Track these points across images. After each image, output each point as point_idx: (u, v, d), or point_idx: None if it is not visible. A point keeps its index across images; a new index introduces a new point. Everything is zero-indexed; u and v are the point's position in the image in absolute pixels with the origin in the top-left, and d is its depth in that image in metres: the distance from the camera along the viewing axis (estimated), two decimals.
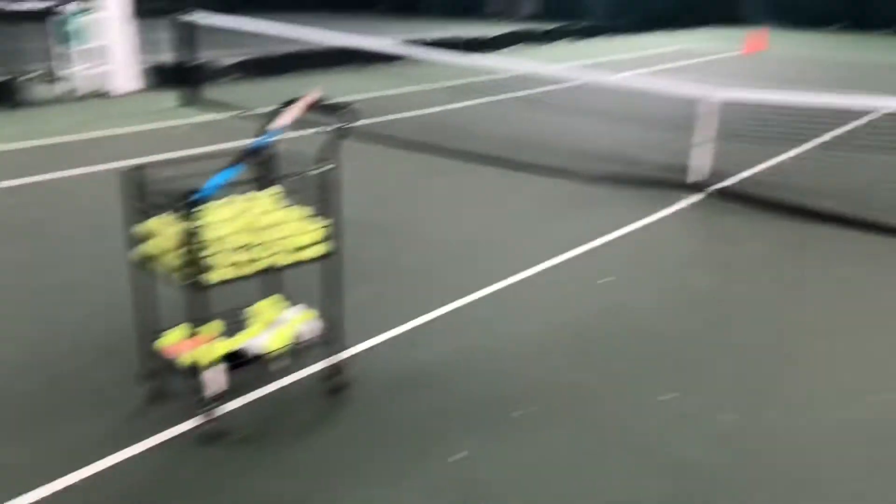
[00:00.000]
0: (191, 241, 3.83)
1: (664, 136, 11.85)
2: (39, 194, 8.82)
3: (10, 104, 15.24)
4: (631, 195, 9.02)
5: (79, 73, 15.49)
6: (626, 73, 15.15)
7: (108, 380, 4.65)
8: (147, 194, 4.11)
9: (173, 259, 3.99)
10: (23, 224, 7.72)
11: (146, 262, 4.20)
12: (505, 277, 6.45)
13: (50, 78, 15.66)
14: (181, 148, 9.89)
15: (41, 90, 15.36)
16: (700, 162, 9.18)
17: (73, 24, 15.55)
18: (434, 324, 5.62)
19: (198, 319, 4.00)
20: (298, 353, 4.56)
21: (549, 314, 5.85)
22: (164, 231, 4.06)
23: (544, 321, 5.72)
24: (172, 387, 4.47)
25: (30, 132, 12.63)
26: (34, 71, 15.52)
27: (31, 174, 9.81)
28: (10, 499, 3.61)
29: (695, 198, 8.85)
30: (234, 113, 13.11)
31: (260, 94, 14.25)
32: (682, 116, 10.24)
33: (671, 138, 11.09)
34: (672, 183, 9.27)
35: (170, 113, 13.51)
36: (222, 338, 4.40)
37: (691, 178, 9.23)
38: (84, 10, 15.47)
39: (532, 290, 6.31)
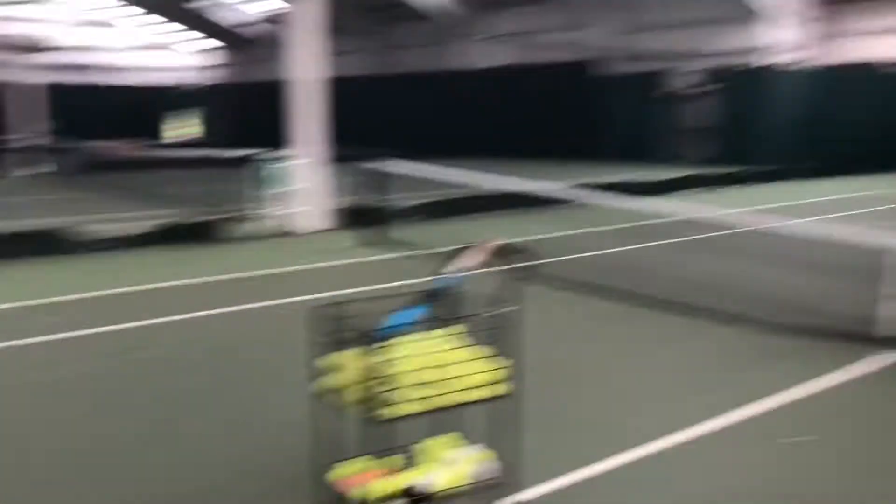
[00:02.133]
0: (374, 376, 3.95)
1: (845, 285, 11.19)
2: (227, 324, 9.47)
3: (207, 241, 16.74)
4: (815, 346, 8.45)
5: (269, 213, 16.88)
6: (804, 220, 14.57)
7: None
8: (333, 329, 4.31)
9: (355, 392, 4.12)
10: (208, 352, 8.29)
11: (327, 394, 4.36)
12: (672, 432, 6.12)
13: (243, 218, 17.12)
14: (361, 285, 10.41)
15: (235, 229, 16.81)
16: (891, 314, 8.51)
17: (268, 170, 17.13)
18: (599, 480, 5.39)
19: (373, 453, 4.07)
20: (471, 493, 4.48)
21: (720, 478, 5.45)
22: (347, 365, 4.21)
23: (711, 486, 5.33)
24: None
25: (223, 267, 13.75)
26: (230, 211, 17.04)
27: (221, 306, 10.61)
28: None
29: (887, 355, 8.13)
30: (414, 252, 13.69)
31: (440, 235, 14.83)
32: (864, 266, 9.64)
33: (854, 288, 10.44)
34: (859, 336, 8.61)
35: (351, 252, 14.31)
36: (394, 473, 4.42)
37: (881, 331, 8.55)
38: (279, 158, 17.04)
39: (703, 450, 5.93)
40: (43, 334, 9.11)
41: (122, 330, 9.21)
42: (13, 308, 10.59)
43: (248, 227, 16.73)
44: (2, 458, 5.69)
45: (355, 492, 4.25)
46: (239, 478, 5.16)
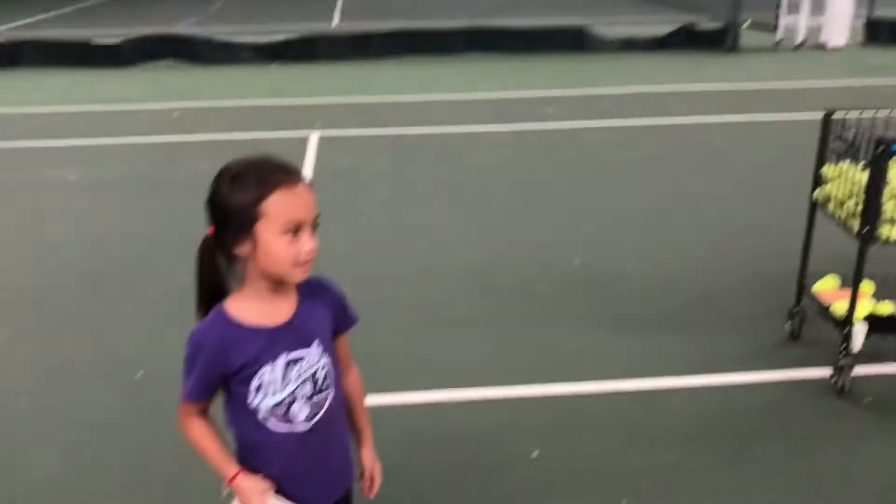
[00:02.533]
0: (871, 192, 3.61)
1: None
2: (736, 132, 9.28)
3: (723, 49, 16.21)
4: None
5: (795, 23, 15.54)
6: None
7: (760, 308, 4.72)
8: (841, 140, 3.97)
9: (851, 207, 3.82)
10: (714, 153, 8.29)
11: (823, 206, 4.11)
12: None
13: (767, 27, 16.07)
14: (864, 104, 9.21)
15: (756, 38, 15.93)
16: None
17: None
18: None
19: (860, 273, 3.79)
20: None
21: None
22: (847, 178, 3.89)
23: None
24: (815, 332, 4.36)
25: (735, 76, 13.29)
26: (749, 19, 16.09)
27: (731, 112, 10.38)
28: (659, 376, 4.01)
29: None
30: None
31: None
32: None
33: None
34: None
35: (882, 70, 12.64)
36: (874, 299, 4.10)
37: None
38: None
39: None
40: (538, 122, 10.04)
41: (620, 127, 9.67)
42: (513, 97, 11.79)
43: (773, 38, 15.75)
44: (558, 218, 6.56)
45: (836, 307, 4.06)
46: (728, 273, 5.24)
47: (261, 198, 1.77)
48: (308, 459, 1.96)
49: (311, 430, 1.94)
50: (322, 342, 1.94)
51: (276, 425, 1.91)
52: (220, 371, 1.86)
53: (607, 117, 10.16)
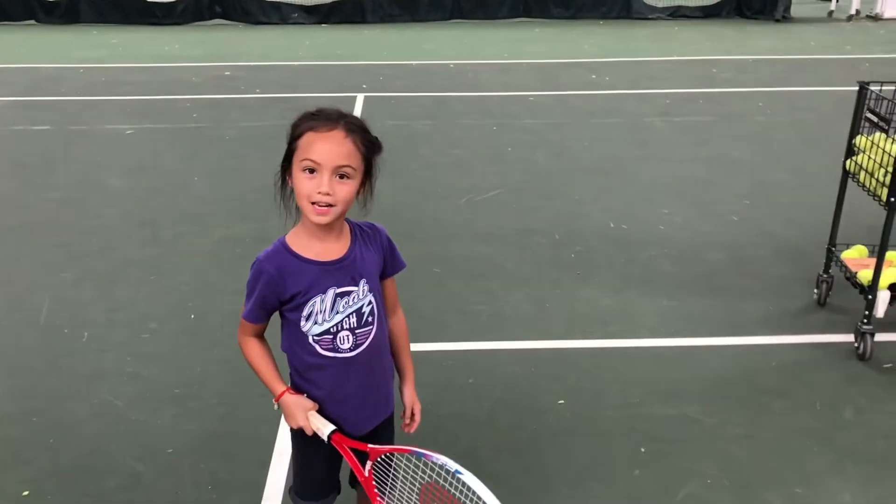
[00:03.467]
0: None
1: None
2: (780, 102, 9.26)
3: (772, 18, 15.96)
4: None
5: None
6: None
7: (788, 275, 4.83)
8: (872, 111, 4.04)
9: (881, 177, 3.90)
10: (755, 123, 8.30)
11: (855, 175, 4.20)
12: None
13: None
14: None
15: (808, 8, 15.66)
16: None
17: None
18: None
19: (885, 241, 3.88)
20: None
21: None
22: (878, 148, 3.97)
23: None
24: (841, 300, 4.48)
25: (783, 46, 13.13)
26: None
27: (776, 83, 10.33)
28: (686, 336, 4.17)
29: None
30: None
31: None
32: None
33: None
34: None
35: None
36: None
37: None
38: None
39: None
40: (583, 88, 10.10)
41: (663, 94, 9.69)
42: (559, 62, 11.82)
43: (827, 8, 15.46)
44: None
45: (863, 275, 4.16)
46: (757, 241, 5.34)
47: (298, 134, 1.99)
48: (351, 385, 2.17)
49: (354, 359, 2.14)
50: (369, 282, 2.13)
51: (323, 351, 2.12)
52: (276, 296, 2.08)
53: (651, 85, 10.19)
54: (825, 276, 4.48)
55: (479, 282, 4.80)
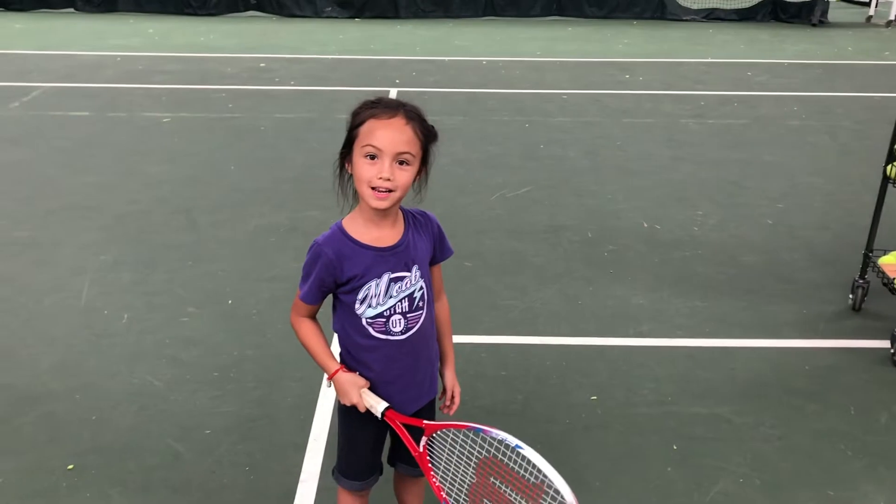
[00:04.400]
0: None
1: None
2: (815, 107, 9.18)
3: (809, 22, 15.80)
4: None
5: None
6: None
7: (822, 279, 4.79)
8: None
9: None
10: (790, 127, 8.25)
11: (894, 181, 4.18)
12: None
13: (859, 1, 15.59)
14: None
15: (846, 12, 15.49)
16: None
17: None
18: None
19: None
20: None
21: None
22: None
23: None
24: (877, 306, 4.45)
25: (819, 51, 13.01)
26: None
27: (812, 87, 10.24)
28: (719, 337, 4.15)
29: None
30: None
31: None
32: None
33: None
34: None
35: None
36: None
37: None
38: None
39: None
40: (616, 88, 10.07)
41: (696, 96, 9.64)
42: (592, 61, 11.79)
43: (866, 13, 15.28)
44: None
45: None
46: (791, 246, 5.32)
47: (360, 122, 2.04)
48: (399, 367, 2.22)
49: (405, 342, 2.20)
50: (421, 268, 2.19)
51: (376, 333, 2.18)
52: (333, 279, 2.13)
53: (685, 86, 10.14)
54: (861, 281, 4.46)
55: (510, 277, 4.83)
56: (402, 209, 2.22)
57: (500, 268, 4.97)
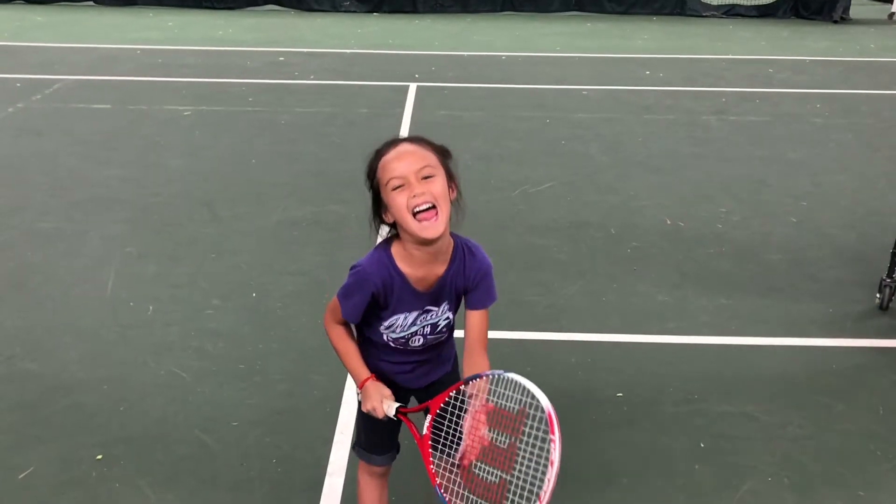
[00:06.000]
0: None
1: None
2: (837, 104, 9.11)
3: (830, 19, 15.66)
4: None
5: None
6: None
7: (849, 278, 4.75)
8: None
9: None
10: (812, 124, 8.19)
11: None
12: None
13: None
14: None
15: (868, 9, 15.34)
16: None
17: None
18: None
19: None
20: None
21: None
22: None
23: None
24: None
25: (841, 48, 12.89)
26: None
27: (833, 84, 10.16)
28: (744, 335, 4.12)
29: None
30: None
31: None
32: None
33: None
34: None
35: None
36: None
37: None
38: None
39: None
40: (636, 84, 10.02)
41: (717, 92, 9.59)
42: (611, 57, 11.73)
43: (878, 9, 15.15)
44: None
45: None
46: (818, 245, 5.28)
47: (374, 169, 2.09)
48: (412, 363, 2.32)
49: (422, 351, 2.30)
50: (450, 303, 2.22)
51: (395, 346, 2.26)
52: (372, 304, 2.17)
53: (706, 83, 10.09)
54: (889, 280, 4.42)
55: (533, 273, 4.82)
56: (454, 238, 2.20)
57: (523, 264, 4.95)
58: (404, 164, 2.02)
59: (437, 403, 2.12)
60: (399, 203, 2.01)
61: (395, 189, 2.01)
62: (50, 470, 3.05)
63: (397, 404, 2.19)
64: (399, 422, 2.25)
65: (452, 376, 2.40)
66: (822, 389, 3.71)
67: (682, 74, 10.57)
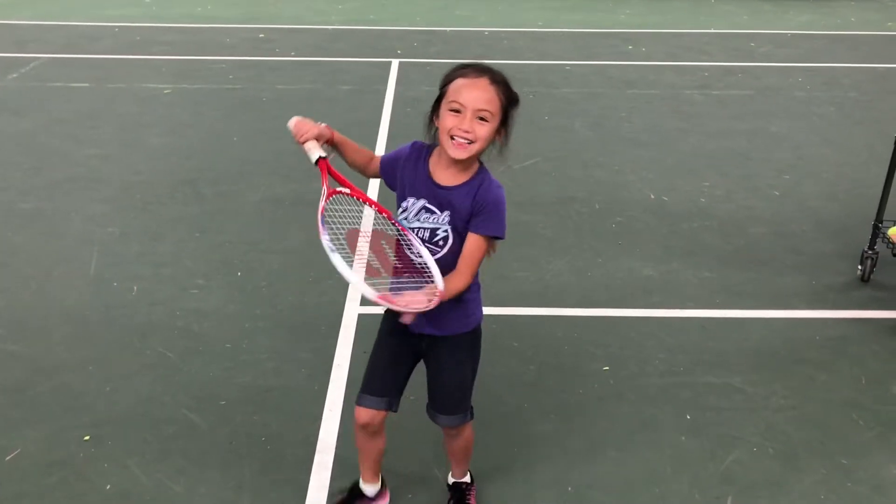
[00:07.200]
0: None
1: None
2: (819, 78, 9.14)
3: None
4: None
5: None
6: None
7: (831, 250, 4.80)
8: None
9: None
10: (795, 98, 8.22)
11: None
12: None
13: None
14: None
15: None
16: None
17: None
18: None
19: None
20: None
21: None
22: None
23: None
24: (886, 276, 4.46)
25: (824, 21, 12.91)
26: None
27: (816, 58, 10.18)
28: (729, 308, 4.15)
29: None
30: None
31: None
32: None
33: None
34: None
35: None
36: None
37: None
38: None
39: None
40: (620, 59, 10.00)
41: (700, 67, 9.59)
42: (594, 32, 11.69)
43: None
44: None
45: None
46: (800, 214, 5.33)
47: (449, 80, 2.28)
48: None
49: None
50: (453, 216, 2.34)
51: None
52: (395, 166, 2.42)
53: (689, 57, 10.07)
54: (870, 252, 4.46)
55: (520, 249, 4.82)
56: (481, 168, 2.37)
57: (509, 240, 4.80)
58: (470, 97, 2.22)
59: (358, 192, 2.42)
60: (447, 123, 2.24)
61: (451, 110, 2.23)
62: (37, 451, 3.04)
63: (323, 154, 2.35)
64: (399, 362, 2.49)
65: (453, 304, 2.40)
66: (806, 360, 3.75)
67: (665, 49, 10.55)
